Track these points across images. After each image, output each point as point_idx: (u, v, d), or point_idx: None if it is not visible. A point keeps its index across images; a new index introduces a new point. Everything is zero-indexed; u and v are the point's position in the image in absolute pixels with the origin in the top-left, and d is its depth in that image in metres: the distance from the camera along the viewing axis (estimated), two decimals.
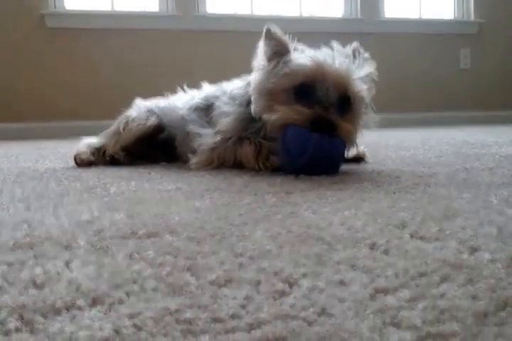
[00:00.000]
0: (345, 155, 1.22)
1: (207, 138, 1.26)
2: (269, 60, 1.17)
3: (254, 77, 1.21)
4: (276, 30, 1.18)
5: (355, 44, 1.21)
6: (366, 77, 1.19)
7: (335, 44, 1.18)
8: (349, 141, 1.15)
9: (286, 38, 1.18)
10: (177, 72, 3.13)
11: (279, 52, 1.17)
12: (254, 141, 1.19)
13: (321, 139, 1.06)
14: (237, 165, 1.21)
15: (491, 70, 3.96)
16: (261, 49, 1.20)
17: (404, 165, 1.26)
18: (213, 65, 3.16)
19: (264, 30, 1.18)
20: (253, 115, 1.19)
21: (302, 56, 1.14)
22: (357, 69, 1.16)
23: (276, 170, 1.14)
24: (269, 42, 1.18)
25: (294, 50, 1.17)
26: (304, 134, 1.07)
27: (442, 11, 3.98)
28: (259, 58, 1.20)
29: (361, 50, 1.21)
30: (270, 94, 1.15)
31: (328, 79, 1.10)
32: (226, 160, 1.23)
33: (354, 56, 1.18)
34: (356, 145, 1.22)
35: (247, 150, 1.19)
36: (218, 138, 1.23)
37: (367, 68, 1.19)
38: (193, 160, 1.26)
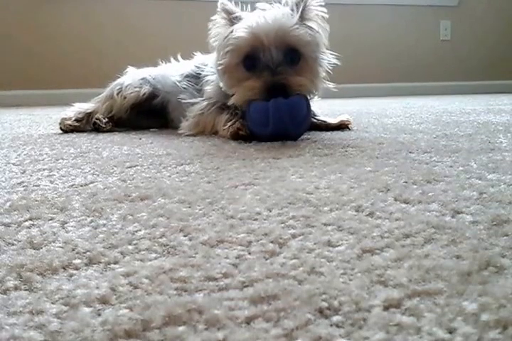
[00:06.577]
0: (315, 112, 1.30)
1: (196, 105, 1.30)
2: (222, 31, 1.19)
3: (213, 55, 1.24)
4: (227, 2, 1.20)
5: None
6: (314, 18, 1.19)
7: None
8: (306, 91, 1.16)
9: (237, 9, 1.20)
10: (179, 40, 3.11)
11: (230, 24, 1.18)
12: (230, 111, 1.21)
13: (276, 103, 1.08)
14: (215, 132, 1.24)
15: (470, 42, 4.01)
16: (215, 22, 1.21)
17: (387, 132, 1.27)
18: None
19: (218, 4, 1.20)
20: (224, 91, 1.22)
21: (239, 27, 1.15)
22: (297, 15, 1.15)
23: (245, 139, 1.14)
24: (221, 14, 1.20)
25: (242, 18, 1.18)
26: (263, 106, 1.10)
27: None
28: (212, 32, 1.22)
29: None
30: (226, 71, 1.18)
31: (267, 42, 1.12)
32: (206, 126, 1.26)
33: None
34: (317, 90, 1.21)
35: (221, 118, 1.22)
36: (204, 104, 1.27)
37: (312, 9, 1.18)
38: (182, 124, 1.32)
